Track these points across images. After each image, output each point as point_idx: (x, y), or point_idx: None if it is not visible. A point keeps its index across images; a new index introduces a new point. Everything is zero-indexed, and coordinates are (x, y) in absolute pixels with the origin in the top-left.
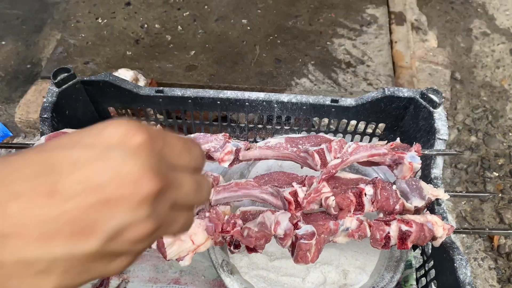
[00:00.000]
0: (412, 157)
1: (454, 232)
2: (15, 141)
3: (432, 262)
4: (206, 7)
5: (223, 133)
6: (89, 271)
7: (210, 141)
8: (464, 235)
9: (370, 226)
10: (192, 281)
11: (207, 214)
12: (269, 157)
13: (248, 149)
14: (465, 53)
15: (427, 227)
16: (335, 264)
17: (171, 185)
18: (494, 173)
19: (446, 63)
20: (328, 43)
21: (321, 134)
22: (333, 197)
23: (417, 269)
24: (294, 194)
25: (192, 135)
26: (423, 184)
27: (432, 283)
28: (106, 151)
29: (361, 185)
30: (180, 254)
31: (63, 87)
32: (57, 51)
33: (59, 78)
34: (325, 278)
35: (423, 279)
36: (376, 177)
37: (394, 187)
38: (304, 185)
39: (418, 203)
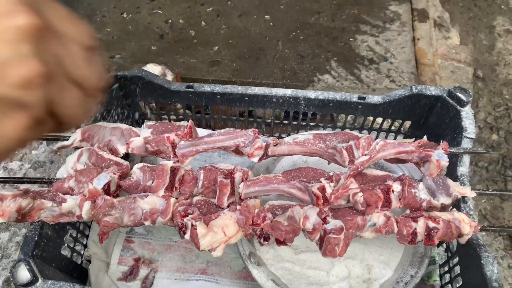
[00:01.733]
0: (439, 155)
1: (481, 230)
2: None
3: (457, 259)
4: (229, 2)
5: (252, 129)
6: None
7: (240, 136)
8: (484, 233)
9: (397, 222)
10: (219, 272)
11: (238, 207)
12: (297, 153)
13: (277, 144)
14: (487, 51)
15: (454, 224)
16: (360, 259)
17: (48, 28)
18: None
19: (469, 60)
20: (351, 39)
21: (347, 131)
22: (361, 193)
23: (441, 266)
24: (322, 189)
25: (222, 130)
26: (449, 181)
27: (457, 280)
28: None
29: (389, 182)
30: (213, 245)
31: None
32: None
33: None
34: (349, 272)
35: (447, 275)
36: (404, 174)
37: (421, 184)
38: (332, 181)
39: (445, 200)
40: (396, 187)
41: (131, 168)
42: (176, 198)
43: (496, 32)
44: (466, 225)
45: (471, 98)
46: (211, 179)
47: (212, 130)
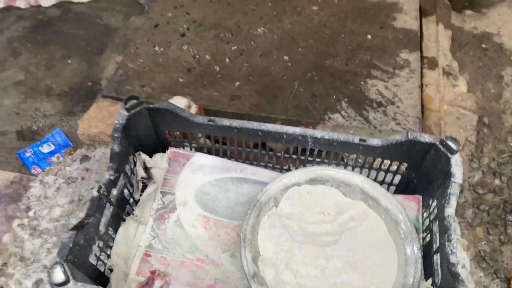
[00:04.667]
0: None
1: None
2: (78, 152)
3: None
4: (252, 43)
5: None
6: None
7: None
8: (481, 275)
9: None
10: None
11: None
12: None
13: None
14: (494, 99)
15: None
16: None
17: None
18: None
19: (474, 108)
20: (362, 83)
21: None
22: None
23: None
24: None
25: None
26: None
27: None
28: None
29: None
30: None
31: (132, 112)
32: (117, 74)
33: (129, 104)
34: None
35: None
36: None
37: None
38: None
39: None
40: None
41: None
42: None
43: (504, 81)
44: None
45: (460, 147)
46: None
47: (228, 159)
